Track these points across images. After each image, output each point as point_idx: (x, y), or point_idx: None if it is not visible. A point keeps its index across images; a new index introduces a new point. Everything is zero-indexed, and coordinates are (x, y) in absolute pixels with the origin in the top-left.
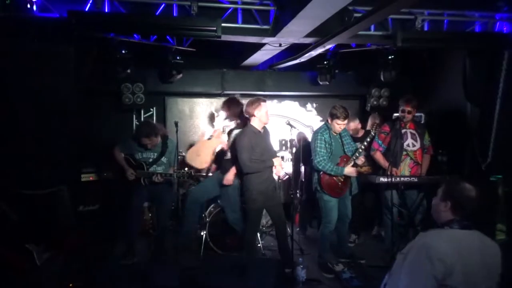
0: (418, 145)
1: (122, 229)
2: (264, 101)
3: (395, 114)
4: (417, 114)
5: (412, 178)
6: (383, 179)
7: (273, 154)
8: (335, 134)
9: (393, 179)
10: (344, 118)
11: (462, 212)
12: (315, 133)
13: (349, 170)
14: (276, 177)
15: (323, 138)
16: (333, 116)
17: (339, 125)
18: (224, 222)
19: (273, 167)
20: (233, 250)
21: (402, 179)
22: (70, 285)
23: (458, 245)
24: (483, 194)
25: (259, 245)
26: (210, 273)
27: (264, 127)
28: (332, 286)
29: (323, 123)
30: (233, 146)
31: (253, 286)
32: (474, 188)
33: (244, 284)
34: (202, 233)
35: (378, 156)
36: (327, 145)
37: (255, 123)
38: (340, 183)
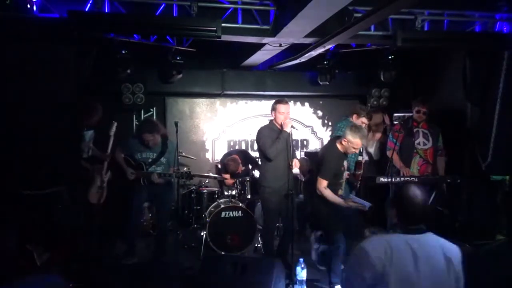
0: (429, 144)
1: (122, 229)
2: (285, 102)
3: (396, 114)
4: None
5: (412, 179)
6: (383, 179)
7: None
8: None
9: (393, 179)
10: None
11: (407, 218)
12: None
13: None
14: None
15: None
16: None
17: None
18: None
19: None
20: (233, 250)
21: (401, 179)
22: (70, 285)
23: (395, 251)
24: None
25: (258, 245)
26: (210, 273)
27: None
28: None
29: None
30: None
31: (253, 286)
32: (419, 193)
33: (244, 284)
34: (202, 233)
35: (394, 157)
36: None
37: (274, 121)
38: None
